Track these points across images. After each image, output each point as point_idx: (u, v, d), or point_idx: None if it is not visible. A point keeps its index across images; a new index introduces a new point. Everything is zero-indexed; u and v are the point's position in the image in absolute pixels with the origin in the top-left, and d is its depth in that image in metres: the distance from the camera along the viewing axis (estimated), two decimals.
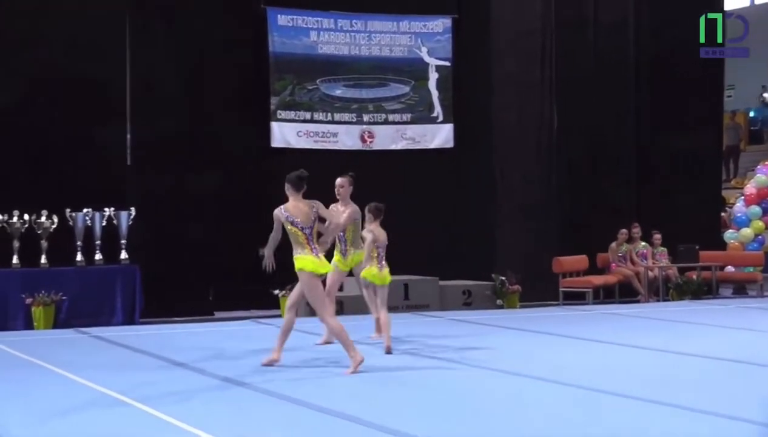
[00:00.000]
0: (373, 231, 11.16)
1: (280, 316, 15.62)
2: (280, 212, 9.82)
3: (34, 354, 10.93)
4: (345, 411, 7.65)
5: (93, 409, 7.95)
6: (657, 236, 18.35)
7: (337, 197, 11.61)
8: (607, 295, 17.89)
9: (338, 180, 11.68)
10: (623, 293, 17.92)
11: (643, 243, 18.32)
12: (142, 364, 10.42)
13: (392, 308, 15.97)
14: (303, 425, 7.40)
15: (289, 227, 9.78)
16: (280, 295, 15.78)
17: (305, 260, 9.81)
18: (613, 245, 18.10)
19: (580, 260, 17.86)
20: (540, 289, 17.60)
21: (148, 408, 7.88)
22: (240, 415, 7.75)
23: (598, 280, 17.63)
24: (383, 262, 11.20)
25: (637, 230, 18.28)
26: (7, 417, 7.64)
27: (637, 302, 17.65)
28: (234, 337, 12.06)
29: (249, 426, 7.36)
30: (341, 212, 11.33)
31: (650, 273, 17.93)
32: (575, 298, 17.33)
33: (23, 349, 11.40)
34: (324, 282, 10.78)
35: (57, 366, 10.08)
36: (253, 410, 7.99)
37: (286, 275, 15.85)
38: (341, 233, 11.47)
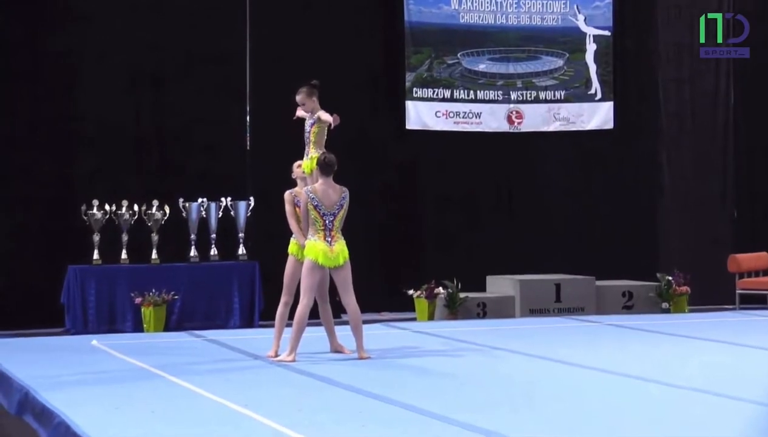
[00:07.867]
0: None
1: (414, 319, 15.78)
2: (306, 194, 10.77)
3: (146, 360, 11.10)
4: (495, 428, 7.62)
5: (211, 422, 8.01)
6: None
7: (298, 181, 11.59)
8: None
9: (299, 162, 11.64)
10: None
11: None
12: (261, 373, 10.51)
13: (543, 311, 16.19)
14: None
15: (311, 210, 10.73)
16: (414, 295, 15.88)
17: (316, 248, 10.79)
18: None
19: (761, 258, 17.53)
20: (712, 291, 17.39)
21: (270, 421, 7.88)
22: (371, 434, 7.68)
23: None
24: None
25: None
26: (121, 429, 7.75)
27: None
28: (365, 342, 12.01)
29: None
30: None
31: None
32: (754, 301, 17.03)
33: (134, 354, 11.61)
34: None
35: (170, 373, 10.23)
36: (385, 428, 7.84)
37: (420, 274, 16.15)
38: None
